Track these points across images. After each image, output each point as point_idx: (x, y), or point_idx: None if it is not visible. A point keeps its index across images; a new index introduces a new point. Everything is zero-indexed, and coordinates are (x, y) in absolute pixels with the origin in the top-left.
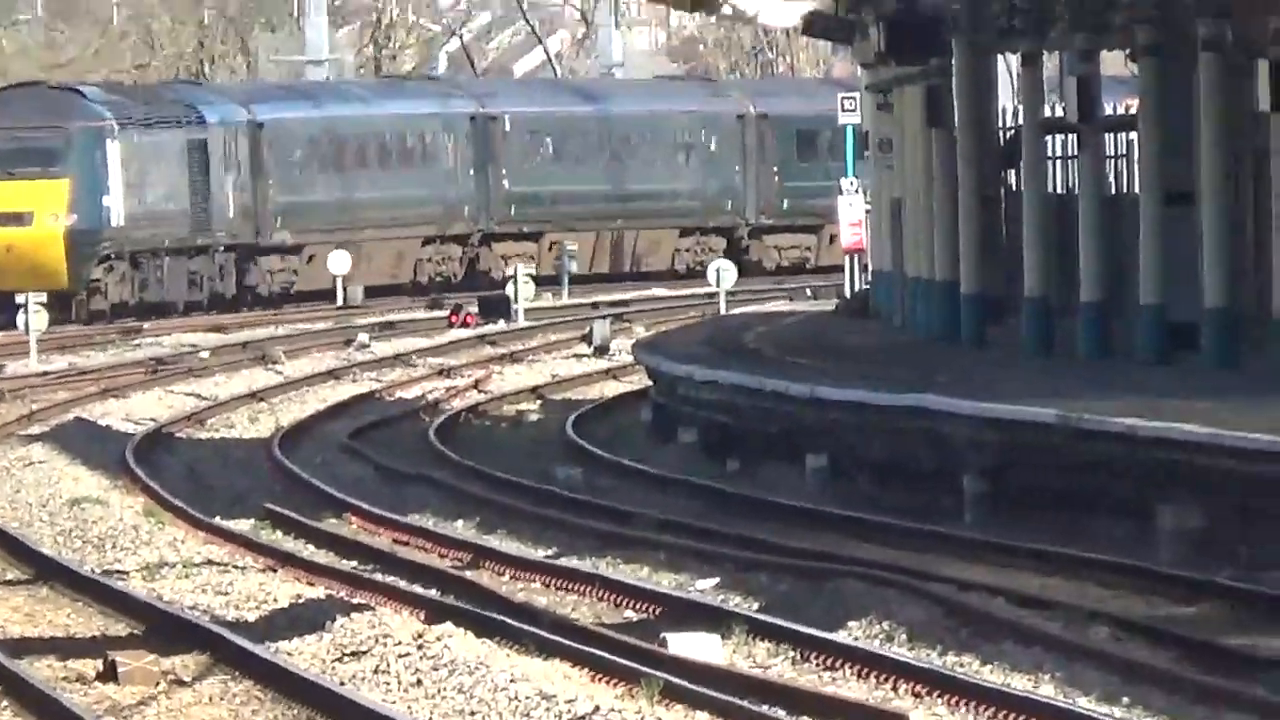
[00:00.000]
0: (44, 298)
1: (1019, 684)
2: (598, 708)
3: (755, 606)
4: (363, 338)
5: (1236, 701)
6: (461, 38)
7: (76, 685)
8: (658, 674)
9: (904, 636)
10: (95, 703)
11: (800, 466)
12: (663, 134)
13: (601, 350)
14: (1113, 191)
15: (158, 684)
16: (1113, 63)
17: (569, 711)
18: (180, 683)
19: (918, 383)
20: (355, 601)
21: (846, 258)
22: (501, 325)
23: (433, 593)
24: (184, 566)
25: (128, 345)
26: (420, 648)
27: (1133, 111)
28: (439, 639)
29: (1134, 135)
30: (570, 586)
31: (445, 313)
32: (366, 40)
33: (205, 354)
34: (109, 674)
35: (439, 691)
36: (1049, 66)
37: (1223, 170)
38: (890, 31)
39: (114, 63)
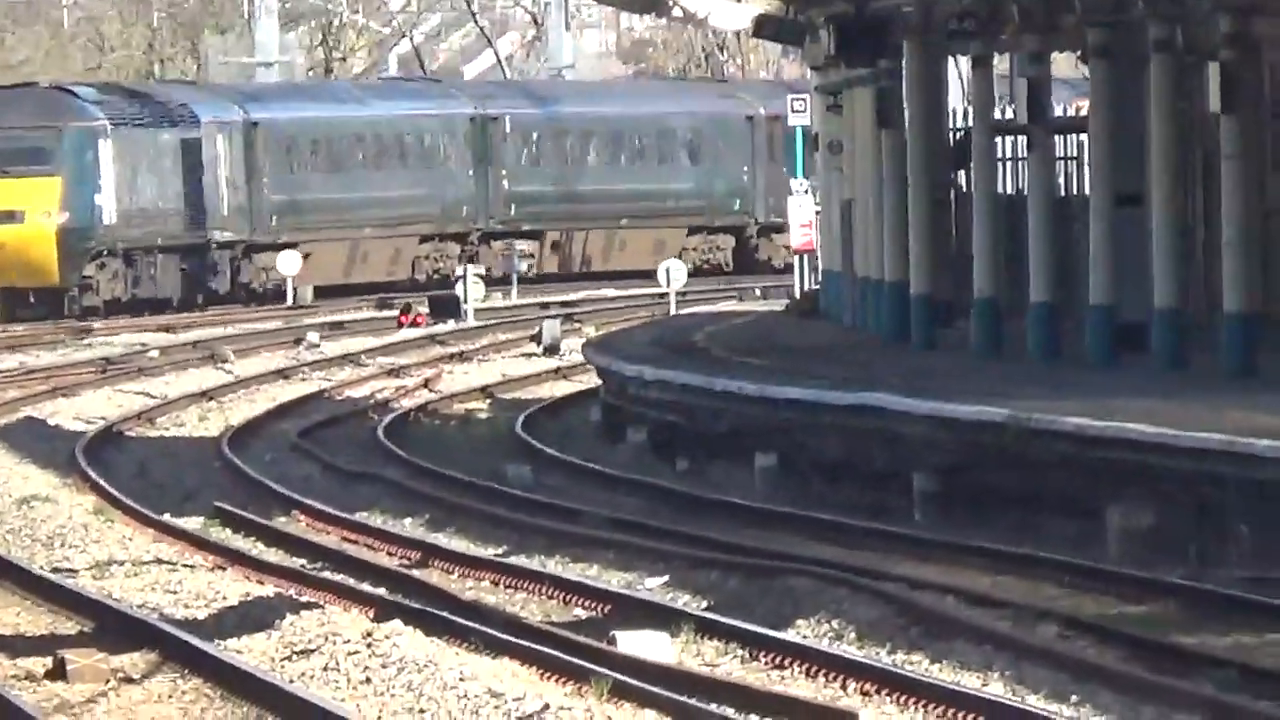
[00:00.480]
0: None
1: (969, 682)
2: (547, 705)
3: (704, 605)
4: (312, 337)
5: (1186, 700)
6: (412, 40)
7: (25, 683)
8: (607, 672)
9: (853, 635)
10: (44, 700)
11: (750, 466)
12: (669, 134)
13: (552, 350)
14: (1063, 193)
15: (107, 681)
16: (1063, 63)
17: (518, 710)
18: (129, 680)
19: (868, 382)
20: (304, 600)
21: (796, 258)
22: (451, 325)
23: (381, 591)
24: (133, 565)
25: (78, 344)
26: (369, 646)
27: (1083, 113)
28: (388, 637)
29: (1084, 137)
30: (519, 585)
31: (395, 312)
32: (317, 42)
33: (155, 353)
34: (58, 672)
35: (388, 689)
36: (999, 68)
37: (1173, 172)
38: (840, 33)
39: (64, 65)
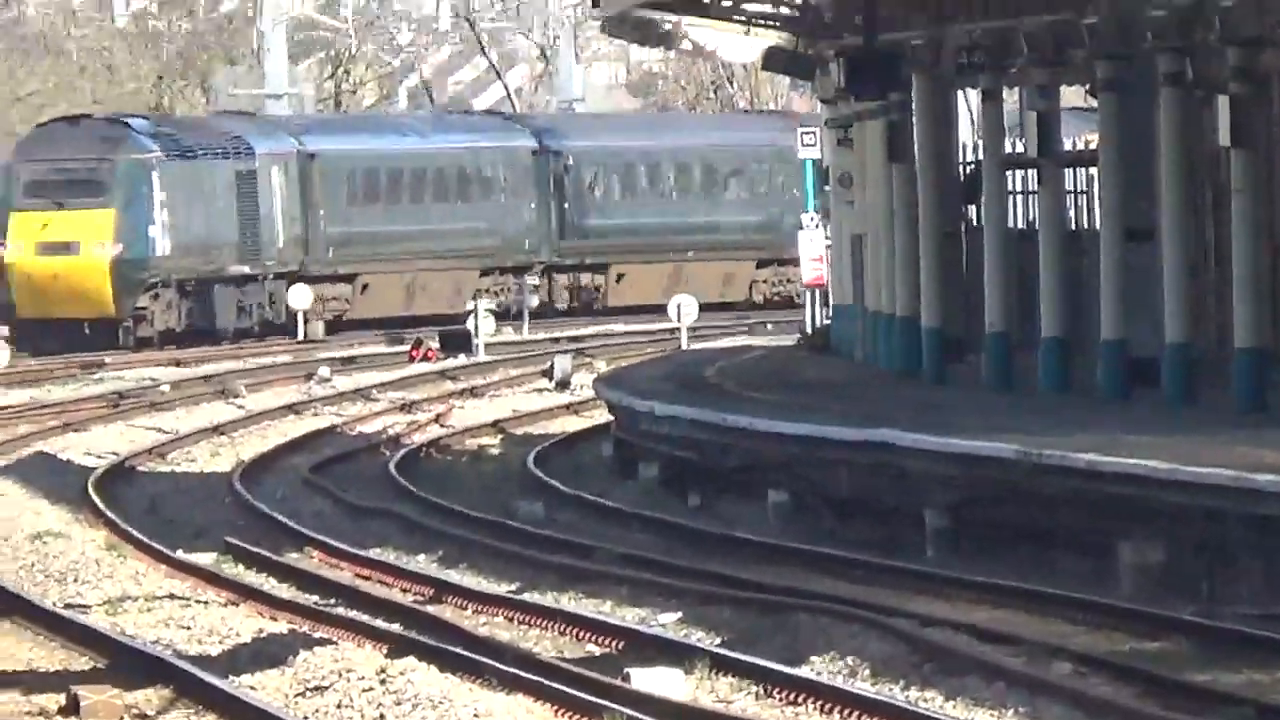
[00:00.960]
0: (5, 332)
1: (982, 719)
2: None
3: (718, 641)
4: (323, 372)
5: None
6: (421, 73)
7: None
8: (621, 709)
9: (867, 671)
10: None
11: (762, 502)
12: (735, 166)
13: (563, 385)
14: (1073, 227)
15: (121, 718)
16: (1073, 95)
17: None
18: (143, 717)
19: (879, 417)
20: (318, 636)
21: (807, 292)
22: (462, 360)
23: (395, 627)
24: (146, 600)
25: (89, 379)
26: (383, 682)
27: (1093, 146)
28: (402, 673)
29: (1094, 170)
30: (533, 621)
31: (406, 347)
32: (326, 75)
33: (166, 388)
34: (72, 708)
35: None
36: (1009, 101)
37: (1183, 206)
38: (850, 67)
39: (73, 97)
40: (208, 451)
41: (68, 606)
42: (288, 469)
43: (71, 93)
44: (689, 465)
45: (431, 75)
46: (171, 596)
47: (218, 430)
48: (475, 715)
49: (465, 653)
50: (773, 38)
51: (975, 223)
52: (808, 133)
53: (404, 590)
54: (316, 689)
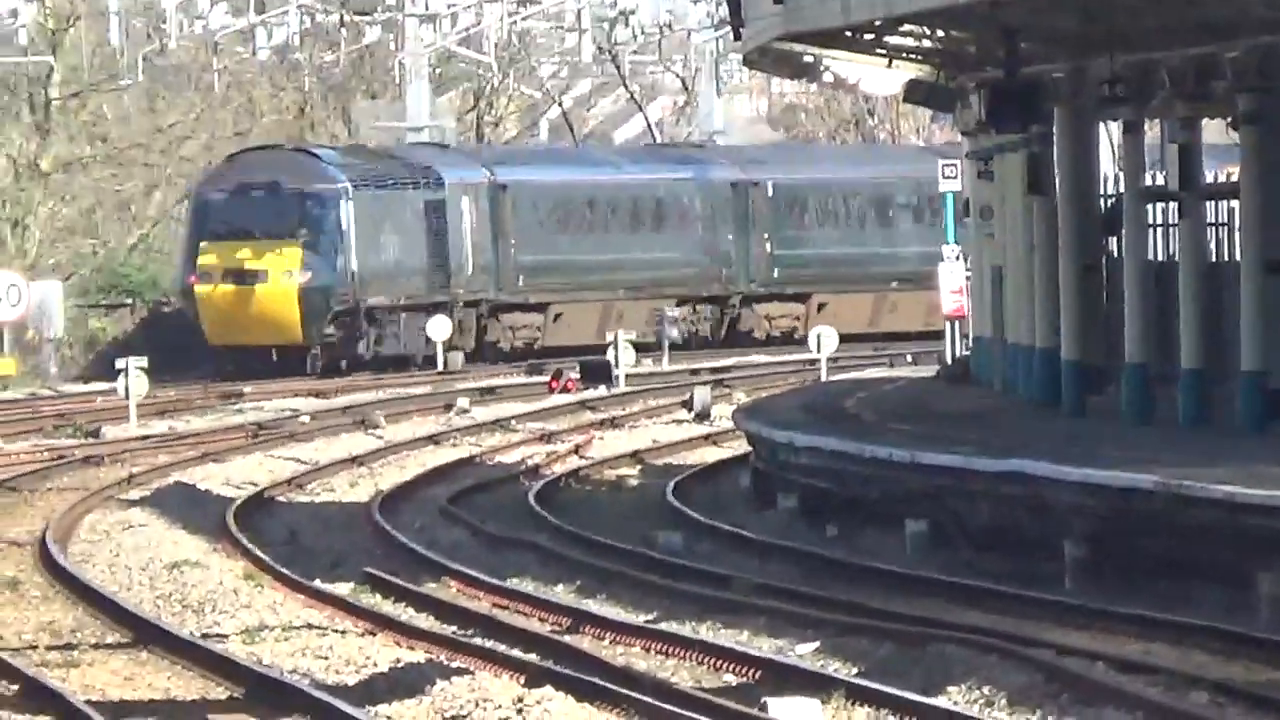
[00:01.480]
0: (144, 362)
1: None
2: None
3: (855, 671)
4: (463, 402)
5: None
6: (562, 105)
7: None
8: None
9: (1004, 701)
10: None
11: (900, 532)
12: (914, 199)
13: (702, 416)
14: (1213, 259)
15: None
16: (1214, 130)
17: None
18: None
19: (1018, 448)
20: (455, 665)
21: (947, 324)
22: (602, 391)
23: (532, 656)
24: (283, 630)
25: (228, 409)
26: (520, 712)
27: (1234, 179)
28: (539, 703)
29: (1235, 203)
30: (670, 651)
31: (545, 378)
32: (468, 108)
33: (305, 418)
34: None
35: None
36: (1150, 134)
37: None
38: (991, 99)
39: (215, 128)
40: (346, 482)
41: (205, 636)
42: (426, 499)
43: (213, 124)
44: (827, 496)
45: (571, 107)
46: (309, 626)
47: (356, 461)
48: None
49: (603, 683)
50: (914, 70)
51: (1115, 255)
52: (948, 165)
53: (541, 620)
54: (454, 718)
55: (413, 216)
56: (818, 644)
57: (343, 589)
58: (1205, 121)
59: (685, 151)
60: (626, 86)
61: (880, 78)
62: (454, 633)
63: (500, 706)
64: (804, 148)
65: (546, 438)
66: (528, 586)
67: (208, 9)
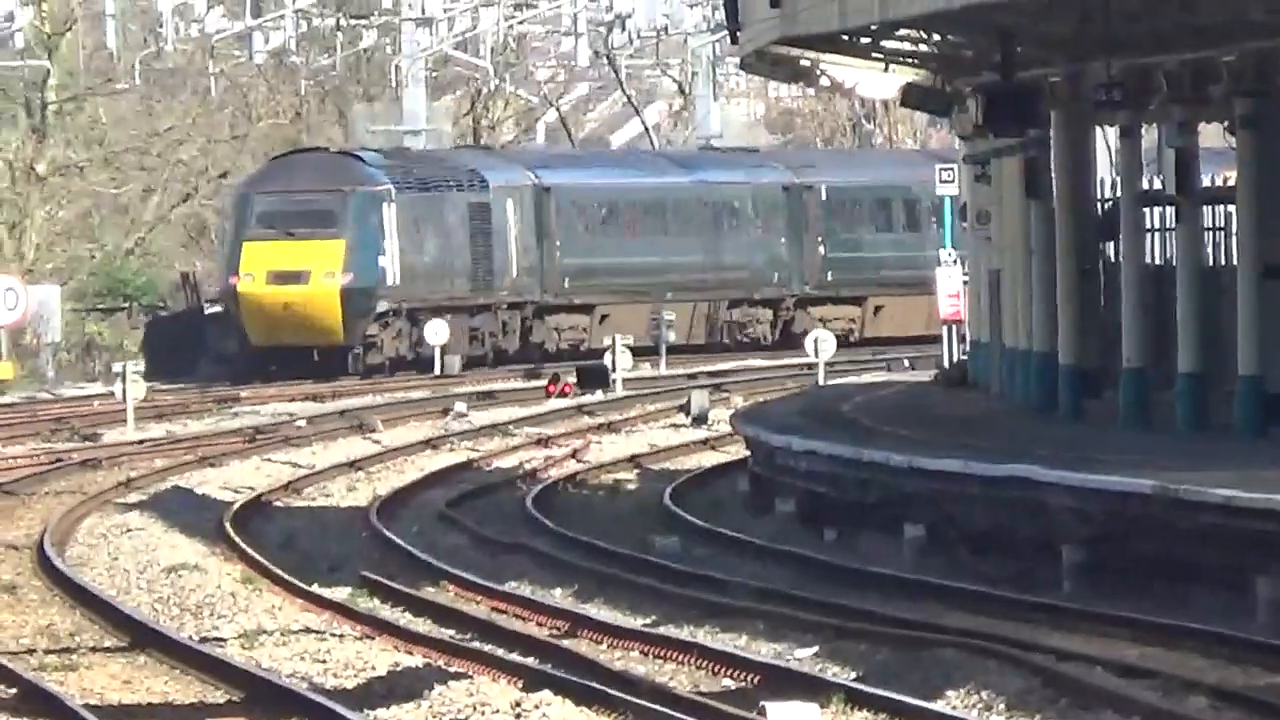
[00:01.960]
0: (141, 366)
1: None
2: None
3: (854, 675)
4: (460, 407)
5: None
6: (559, 109)
7: None
8: None
9: (1002, 706)
10: None
11: (898, 536)
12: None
13: (699, 420)
14: (1211, 263)
15: None
16: (1211, 134)
17: None
18: None
19: (1016, 453)
20: (453, 670)
21: (944, 328)
22: (599, 395)
23: (531, 661)
24: (281, 634)
25: (225, 414)
26: (518, 716)
27: (1231, 184)
28: (537, 707)
29: (1232, 208)
30: (668, 655)
31: (543, 383)
32: (465, 111)
33: (302, 423)
34: None
35: None
36: (1147, 138)
37: None
38: (988, 103)
39: (211, 132)
40: (344, 486)
41: (204, 640)
42: (424, 504)
43: (209, 128)
44: (826, 500)
45: (569, 111)
46: (307, 630)
47: (354, 465)
48: None
49: (601, 687)
50: (910, 74)
51: (1113, 259)
52: (945, 169)
53: (539, 624)
54: None
55: (456, 219)
56: (816, 648)
57: (341, 593)
58: (1202, 126)
59: (736, 155)
60: (624, 90)
61: (877, 82)
62: (452, 637)
63: (498, 711)
64: (855, 152)
65: (544, 442)
66: (525, 591)
67: (204, 13)
